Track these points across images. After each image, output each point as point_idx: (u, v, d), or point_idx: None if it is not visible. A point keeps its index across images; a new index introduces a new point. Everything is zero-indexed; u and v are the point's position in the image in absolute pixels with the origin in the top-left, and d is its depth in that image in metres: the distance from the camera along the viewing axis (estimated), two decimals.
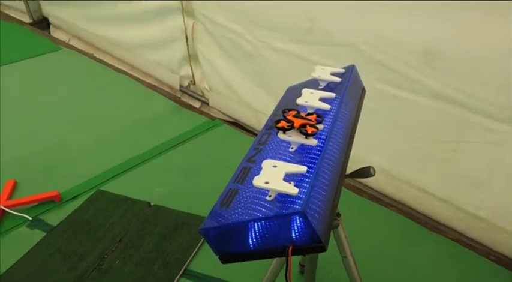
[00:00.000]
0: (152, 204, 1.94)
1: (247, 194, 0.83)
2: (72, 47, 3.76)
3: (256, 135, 2.52)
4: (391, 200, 2.00)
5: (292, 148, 0.93)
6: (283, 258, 1.17)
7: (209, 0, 2.36)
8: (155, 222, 1.83)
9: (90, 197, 1.99)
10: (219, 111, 2.75)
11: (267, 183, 0.78)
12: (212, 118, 2.70)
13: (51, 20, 4.11)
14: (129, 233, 1.78)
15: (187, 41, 2.69)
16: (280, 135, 0.92)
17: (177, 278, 1.59)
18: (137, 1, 2.85)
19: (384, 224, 1.89)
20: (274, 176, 0.79)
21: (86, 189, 2.05)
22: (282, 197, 0.78)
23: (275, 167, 0.82)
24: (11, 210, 1.88)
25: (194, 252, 1.70)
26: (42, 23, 4.17)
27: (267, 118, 2.35)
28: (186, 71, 2.87)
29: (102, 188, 2.05)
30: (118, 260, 1.65)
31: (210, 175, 2.17)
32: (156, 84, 3.15)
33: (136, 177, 2.16)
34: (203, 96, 2.85)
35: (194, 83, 2.86)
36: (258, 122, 2.52)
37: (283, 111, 0.96)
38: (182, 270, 1.62)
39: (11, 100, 2.87)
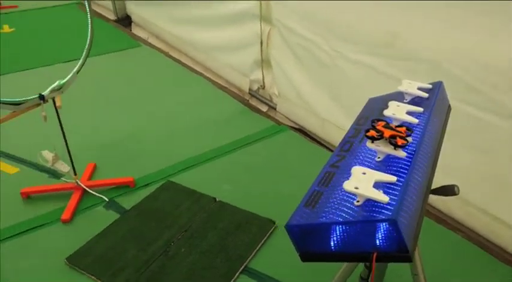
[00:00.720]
0: (217, 199, 2.01)
1: (333, 198, 0.86)
2: (150, 45, 3.99)
3: (320, 143, 2.54)
4: (459, 224, 1.93)
5: (378, 158, 0.94)
6: (352, 265, 1.18)
7: (288, 0, 2.41)
8: (220, 218, 1.90)
9: (161, 186, 2.10)
10: (286, 117, 2.79)
11: (356, 188, 0.80)
12: (278, 123, 2.75)
13: (133, 18, 4.39)
14: (195, 224, 1.86)
15: (261, 46, 2.76)
16: (369, 144, 0.94)
17: (237, 274, 1.64)
18: (217, 4, 2.98)
19: (449, 248, 1.83)
20: (363, 183, 0.81)
21: (158, 178, 2.17)
22: (370, 204, 0.80)
23: (364, 174, 0.84)
24: (91, 190, 2.04)
25: (255, 250, 1.74)
26: (125, 21, 4.46)
27: (332, 125, 2.33)
28: (256, 75, 2.94)
29: (172, 179, 2.16)
30: (184, 249, 1.73)
31: (273, 178, 2.21)
32: (226, 85, 3.26)
33: (204, 173, 2.25)
34: (271, 101, 2.91)
35: (263, 88, 2.93)
36: (324, 130, 2.53)
37: (373, 121, 0.98)
38: (242, 267, 1.67)
39: (95, 91, 3.10)
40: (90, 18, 1.95)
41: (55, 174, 2.19)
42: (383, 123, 0.97)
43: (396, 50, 1.90)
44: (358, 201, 0.81)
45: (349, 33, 2.11)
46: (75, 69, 1.90)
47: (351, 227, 0.80)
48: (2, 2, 4.95)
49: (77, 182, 2.03)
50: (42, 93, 1.75)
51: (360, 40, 2.07)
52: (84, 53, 1.92)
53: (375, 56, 2.01)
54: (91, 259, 1.68)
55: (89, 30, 1.92)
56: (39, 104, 1.76)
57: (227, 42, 3.11)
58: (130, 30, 4.37)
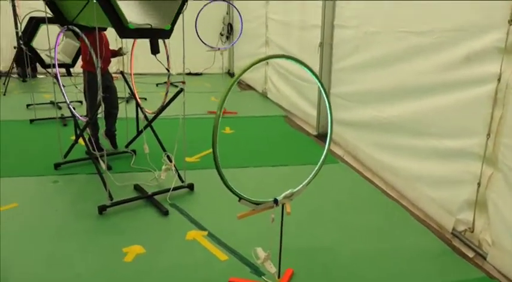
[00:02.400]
0: None
1: None
2: (345, 162, 4.18)
3: None
4: None
5: None
6: None
7: None
8: None
9: None
10: (499, 271, 2.44)
11: None
12: (490, 276, 2.42)
13: (333, 136, 4.74)
14: None
15: (478, 187, 2.60)
16: None
17: None
18: (431, 138, 3.00)
19: None
20: None
21: None
22: None
23: None
24: None
25: None
26: (325, 137, 4.84)
27: None
28: (465, 215, 2.73)
29: None
30: None
31: None
32: (424, 218, 3.10)
33: None
34: (480, 247, 2.62)
35: (472, 231, 2.68)
36: None
37: None
38: None
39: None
40: (329, 143, 2.18)
41: (257, 271, 2.34)
42: None
43: None
44: None
45: None
46: (305, 182, 2.10)
47: None
48: (226, 108, 6.03)
49: None
50: (277, 198, 1.97)
51: None
52: (316, 168, 2.13)
53: None
54: None
55: (325, 151, 2.14)
56: (271, 207, 1.97)
57: (434, 175, 3.03)
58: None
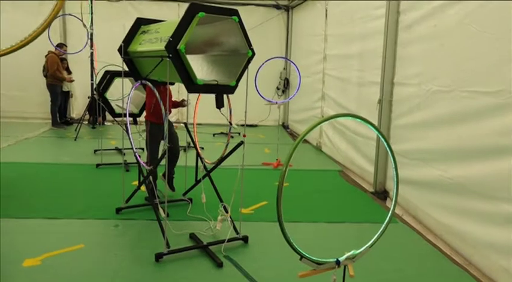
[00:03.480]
0: None
1: None
2: (404, 222, 3.98)
3: None
4: None
5: None
6: None
7: None
8: None
9: None
10: None
11: None
12: None
13: (391, 194, 4.58)
14: None
15: None
16: None
17: None
18: (505, 203, 2.81)
19: None
20: None
21: None
22: None
23: None
24: None
25: None
26: (382, 194, 4.69)
27: None
28: None
29: None
30: None
31: None
32: None
33: None
34: None
35: None
36: None
37: None
38: None
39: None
40: (394, 205, 2.11)
41: None
42: None
43: None
44: None
45: None
46: (369, 243, 2.02)
47: None
48: (280, 159, 6.07)
49: None
50: (339, 259, 1.90)
51: None
52: (380, 230, 2.06)
53: None
54: None
55: (390, 213, 2.07)
56: (333, 268, 1.90)
57: (507, 243, 2.80)
58: (385, 205, 4.53)
